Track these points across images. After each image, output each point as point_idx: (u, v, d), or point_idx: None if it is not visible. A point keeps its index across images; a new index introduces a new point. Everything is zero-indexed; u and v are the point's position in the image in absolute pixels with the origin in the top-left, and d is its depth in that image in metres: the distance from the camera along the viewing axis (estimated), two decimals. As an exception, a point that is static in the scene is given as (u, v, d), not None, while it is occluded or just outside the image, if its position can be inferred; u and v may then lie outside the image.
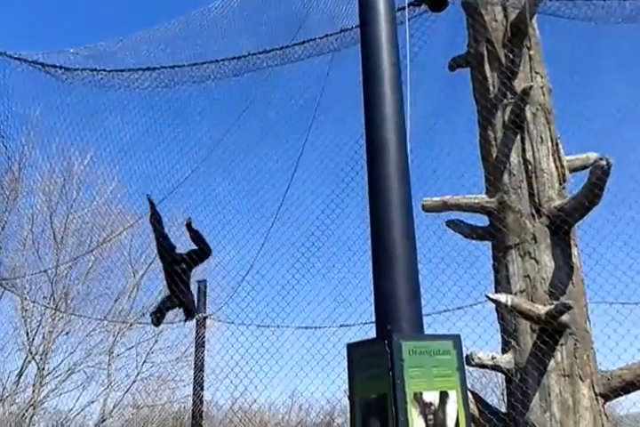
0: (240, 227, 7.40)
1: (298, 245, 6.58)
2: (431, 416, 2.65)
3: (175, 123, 7.27)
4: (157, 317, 7.85)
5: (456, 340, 2.83)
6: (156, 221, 7.64)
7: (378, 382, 2.72)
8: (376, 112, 3.18)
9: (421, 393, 2.67)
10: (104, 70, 6.46)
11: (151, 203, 7.61)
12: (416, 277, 2.90)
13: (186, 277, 7.58)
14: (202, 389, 9.10)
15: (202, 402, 9.14)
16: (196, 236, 7.51)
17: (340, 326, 7.45)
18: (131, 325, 15.12)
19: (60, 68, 6.57)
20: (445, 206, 6.24)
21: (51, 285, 14.96)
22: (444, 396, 2.72)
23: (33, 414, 14.89)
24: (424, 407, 2.66)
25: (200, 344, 9.44)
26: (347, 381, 2.95)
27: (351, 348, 2.95)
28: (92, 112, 7.23)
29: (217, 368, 9.09)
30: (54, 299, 15.06)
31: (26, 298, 12.05)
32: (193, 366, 9.55)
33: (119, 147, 7.59)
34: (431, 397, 2.69)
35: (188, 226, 7.42)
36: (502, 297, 5.23)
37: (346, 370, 2.94)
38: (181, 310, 7.74)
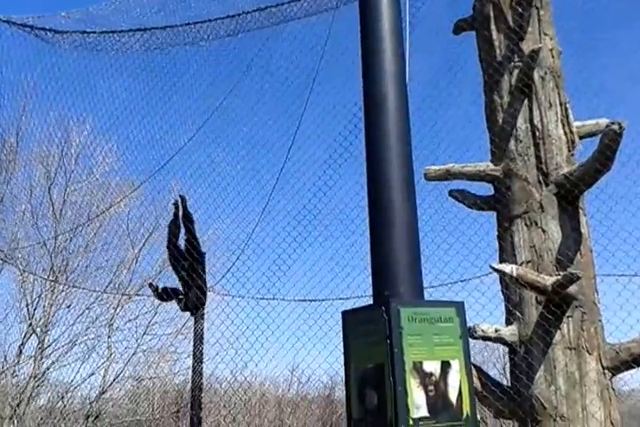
0: (237, 196, 7.18)
1: (294, 214, 6.38)
2: (432, 387, 2.48)
3: (170, 88, 7.03)
4: (160, 295, 7.61)
5: (459, 307, 2.64)
6: (188, 220, 7.32)
7: (375, 351, 2.54)
8: (375, 68, 2.96)
9: (421, 363, 2.49)
10: (94, 32, 6.20)
11: (183, 200, 7.28)
12: (416, 240, 2.70)
13: (202, 281, 7.36)
14: (201, 362, 8.97)
15: (201, 375, 9.01)
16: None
17: (338, 298, 7.29)
18: (130, 297, 15.03)
19: (50, 30, 6.31)
20: (449, 175, 6.01)
21: (50, 257, 14.86)
22: (445, 366, 2.54)
23: (35, 386, 14.90)
24: (424, 378, 2.48)
25: (199, 317, 9.29)
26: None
27: (347, 315, 2.76)
28: (86, 78, 7.00)
29: (216, 342, 8.97)
30: (54, 271, 14.95)
31: (24, 270, 11.92)
32: (192, 338, 9.42)
33: (115, 114, 7.37)
34: (432, 366, 2.51)
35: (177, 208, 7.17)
36: (507, 267, 5.03)
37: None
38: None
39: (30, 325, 14.75)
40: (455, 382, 2.54)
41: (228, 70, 6.81)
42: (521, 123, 5.83)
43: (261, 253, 7.04)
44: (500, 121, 5.92)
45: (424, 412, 2.44)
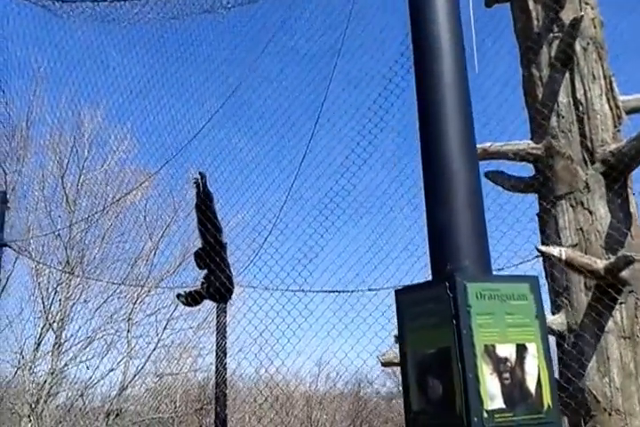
0: (258, 179, 6.81)
1: (320, 197, 6.00)
2: (507, 375, 2.13)
3: (186, 63, 6.68)
4: (188, 300, 7.27)
5: (533, 282, 2.29)
6: (207, 198, 6.97)
7: (437, 334, 2.20)
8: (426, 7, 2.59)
9: (494, 346, 2.14)
10: (105, 0, 5.84)
11: (202, 177, 6.92)
12: (481, 204, 2.35)
13: (225, 265, 7.01)
14: (225, 356, 8.66)
15: (225, 370, 8.70)
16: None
17: (371, 289, 6.93)
18: (149, 290, 14.71)
19: (58, 0, 5.96)
20: (486, 155, 5.63)
21: (65, 249, 14.50)
22: (521, 350, 2.19)
23: (54, 383, 14.66)
24: (498, 363, 2.13)
25: (221, 310, 8.96)
26: (396, 336, 2.44)
27: (401, 294, 2.42)
28: (97, 56, 6.67)
29: (240, 336, 8.66)
30: (69, 264, 14.65)
31: (38, 262, 11.65)
32: (215, 332, 9.10)
33: (128, 96, 7.04)
34: (506, 351, 2.16)
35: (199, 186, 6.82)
36: (555, 250, 4.68)
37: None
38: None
39: (46, 319, 14.48)
40: (533, 368, 2.19)
41: (248, 41, 6.45)
42: (562, 97, 5.46)
43: (285, 240, 6.67)
44: (540, 96, 5.56)
45: (499, 403, 2.10)
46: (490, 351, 2.12)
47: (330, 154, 5.76)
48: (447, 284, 2.17)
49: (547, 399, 2.18)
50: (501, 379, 2.12)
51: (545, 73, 5.59)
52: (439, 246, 2.32)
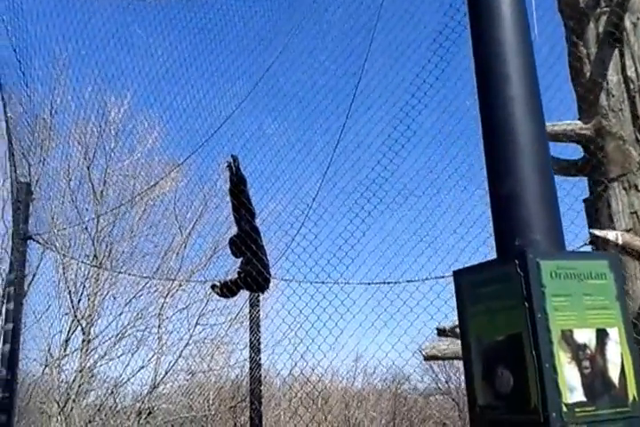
0: (289, 167, 6.54)
1: (356, 185, 5.74)
2: (587, 363, 1.88)
3: (214, 42, 6.43)
4: (223, 291, 6.98)
5: (613, 259, 2.03)
6: (241, 182, 6.70)
7: (506, 318, 1.96)
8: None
9: (571, 331, 1.89)
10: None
11: (235, 160, 6.66)
12: (549, 169, 2.10)
13: (262, 252, 6.74)
14: (259, 352, 8.46)
15: (259, 366, 8.50)
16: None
17: (411, 280, 6.65)
18: (180, 285, 14.46)
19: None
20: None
21: (93, 243, 14.31)
22: (601, 335, 1.94)
23: (83, 382, 14.54)
24: (576, 351, 1.88)
25: (254, 304, 8.74)
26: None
27: (461, 275, 2.17)
28: (121, 38, 6.46)
29: (273, 331, 8.46)
30: (97, 258, 14.47)
31: (65, 255, 11.52)
32: (248, 328, 8.89)
33: (154, 77, 6.81)
34: (585, 336, 1.91)
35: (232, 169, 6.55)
36: (611, 234, 4.39)
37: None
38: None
39: (75, 316, 14.32)
40: (615, 356, 1.94)
41: (280, 18, 6.18)
42: (612, 75, 5.15)
43: (319, 232, 6.40)
44: (588, 74, 5.25)
45: (580, 395, 1.85)
46: (567, 337, 1.88)
47: (369, 134, 5.48)
48: (517, 261, 1.92)
49: (632, 391, 1.92)
50: (581, 368, 1.87)
51: (593, 50, 5.30)
52: (505, 220, 2.06)
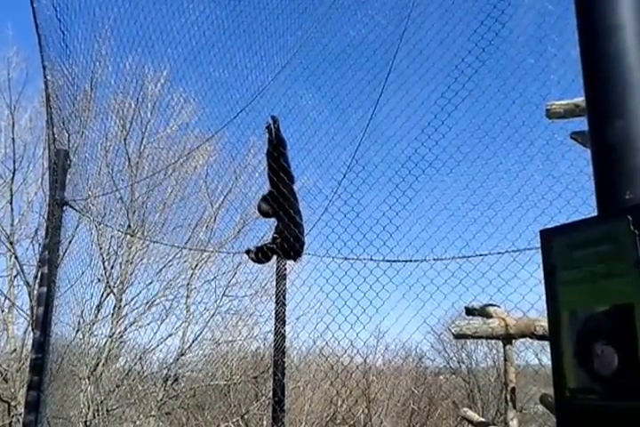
0: (321, 142, 6.25)
1: (386, 159, 5.41)
2: None
3: (255, 12, 6.16)
4: (258, 256, 6.69)
5: None
6: (281, 144, 6.37)
7: (611, 286, 1.63)
8: None
9: (695, 304, 1.56)
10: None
11: (275, 122, 6.33)
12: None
13: (300, 217, 6.43)
14: (284, 324, 8.29)
15: (284, 338, 8.34)
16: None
17: (440, 259, 6.32)
18: (209, 256, 14.49)
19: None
20: (579, 111, 4.99)
21: (127, 213, 14.46)
22: None
23: (113, 347, 14.67)
24: (701, 328, 1.55)
25: (281, 277, 8.54)
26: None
27: (552, 235, 1.83)
28: (160, 8, 6.21)
29: (299, 304, 8.29)
30: (130, 227, 14.62)
31: (100, 222, 11.51)
32: (274, 299, 8.71)
33: (193, 48, 6.56)
34: None
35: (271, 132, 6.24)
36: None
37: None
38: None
39: (107, 283, 14.43)
40: None
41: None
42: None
43: (342, 204, 6.10)
44: None
45: None
46: (690, 311, 1.55)
47: (420, 94, 5.14)
48: (630, 217, 1.59)
49: None
50: None
51: None
52: (612, 170, 1.73)
